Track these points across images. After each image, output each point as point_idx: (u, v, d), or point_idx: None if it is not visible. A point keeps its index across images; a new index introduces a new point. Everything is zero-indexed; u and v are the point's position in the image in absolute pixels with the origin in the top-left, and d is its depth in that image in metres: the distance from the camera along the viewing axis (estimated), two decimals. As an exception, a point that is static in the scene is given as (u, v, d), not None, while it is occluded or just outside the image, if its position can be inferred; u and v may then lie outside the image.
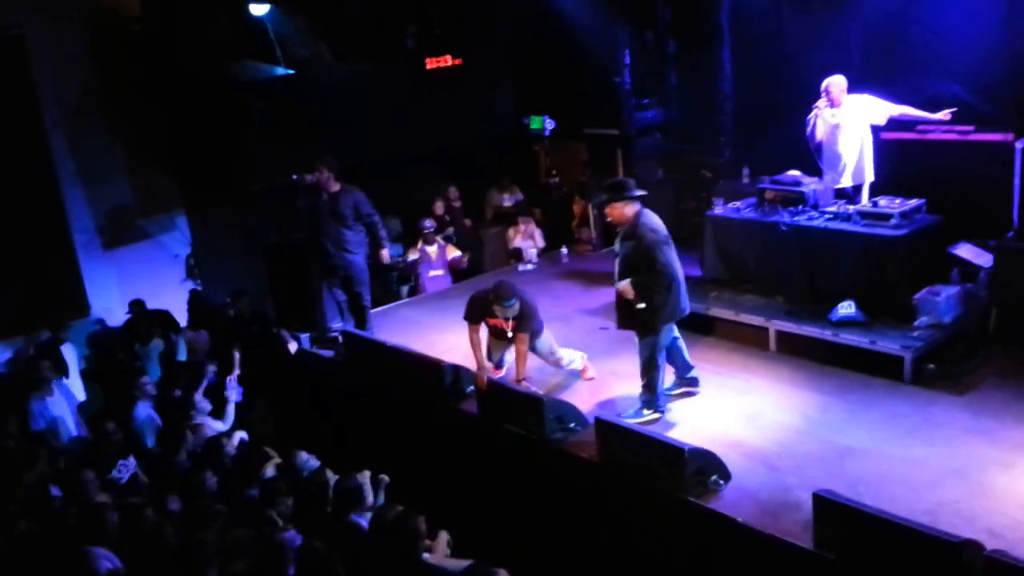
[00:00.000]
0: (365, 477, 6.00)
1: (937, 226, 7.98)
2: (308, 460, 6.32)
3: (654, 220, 6.75)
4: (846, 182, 8.54)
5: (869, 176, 8.51)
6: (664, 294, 6.68)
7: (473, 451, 7.36)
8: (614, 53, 11.27)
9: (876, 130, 8.55)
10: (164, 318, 9.84)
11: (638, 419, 6.90)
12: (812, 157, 8.76)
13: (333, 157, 8.70)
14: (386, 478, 6.19)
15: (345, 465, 6.33)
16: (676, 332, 7.14)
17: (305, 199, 8.69)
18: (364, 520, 5.62)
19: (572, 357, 7.82)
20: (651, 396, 6.96)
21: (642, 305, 6.74)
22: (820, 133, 8.54)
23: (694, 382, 7.35)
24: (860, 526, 4.96)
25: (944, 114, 8.30)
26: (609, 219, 6.92)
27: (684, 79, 11.66)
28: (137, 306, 9.78)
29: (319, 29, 11.10)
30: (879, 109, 8.35)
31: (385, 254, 9.04)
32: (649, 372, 6.93)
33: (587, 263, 11.38)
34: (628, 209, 6.73)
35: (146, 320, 9.48)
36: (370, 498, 5.92)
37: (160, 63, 10.29)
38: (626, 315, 6.97)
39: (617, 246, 6.97)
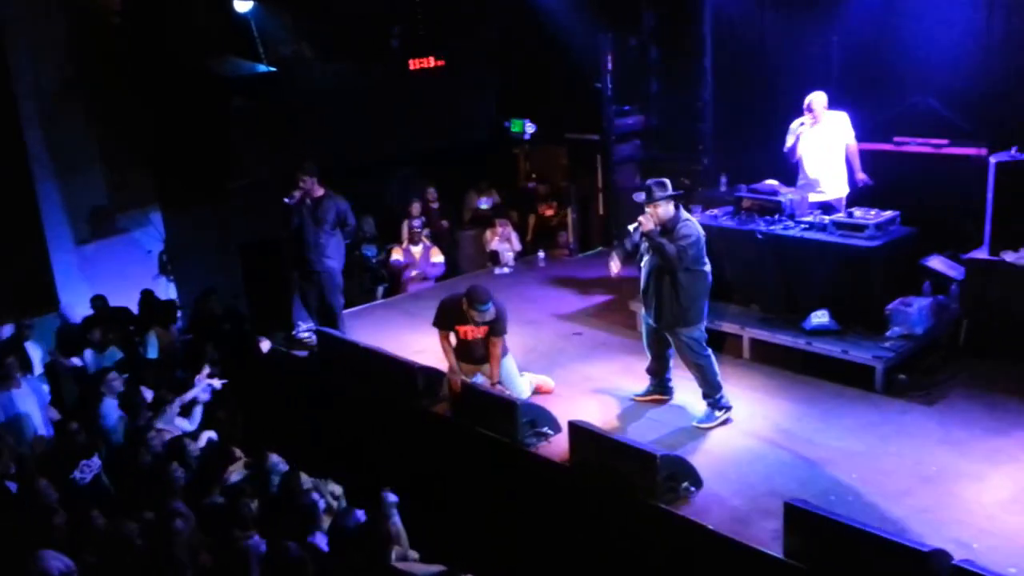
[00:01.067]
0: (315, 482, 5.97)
1: (911, 238, 8.04)
2: (278, 463, 6.26)
3: (693, 220, 6.87)
4: (826, 195, 8.59)
5: (845, 189, 8.60)
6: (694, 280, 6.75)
7: (446, 454, 7.34)
8: (596, 58, 11.31)
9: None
10: (124, 316, 9.69)
11: (711, 423, 6.90)
12: (789, 167, 8.83)
13: (313, 162, 8.66)
14: (338, 489, 6.16)
15: (318, 466, 6.32)
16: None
17: (295, 215, 8.63)
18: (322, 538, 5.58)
19: (524, 387, 7.63)
20: (715, 395, 6.93)
21: (632, 227, 6.85)
22: (802, 148, 8.62)
23: (669, 391, 7.36)
24: (830, 535, 4.99)
25: (865, 180, 8.57)
26: (653, 219, 6.76)
27: (665, 86, 11.72)
28: (99, 300, 9.64)
29: (303, 27, 11.07)
30: (850, 130, 8.52)
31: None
32: (702, 372, 6.92)
33: (564, 268, 11.40)
34: (670, 207, 6.76)
35: (106, 322, 9.25)
36: (323, 506, 5.86)
37: (141, 57, 10.21)
38: (664, 313, 6.91)
39: (643, 246, 6.95)
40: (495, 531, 6.69)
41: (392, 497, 5.80)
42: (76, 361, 8.70)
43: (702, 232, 6.82)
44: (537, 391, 7.67)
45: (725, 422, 6.92)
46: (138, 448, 6.63)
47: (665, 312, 6.85)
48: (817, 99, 8.46)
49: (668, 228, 6.73)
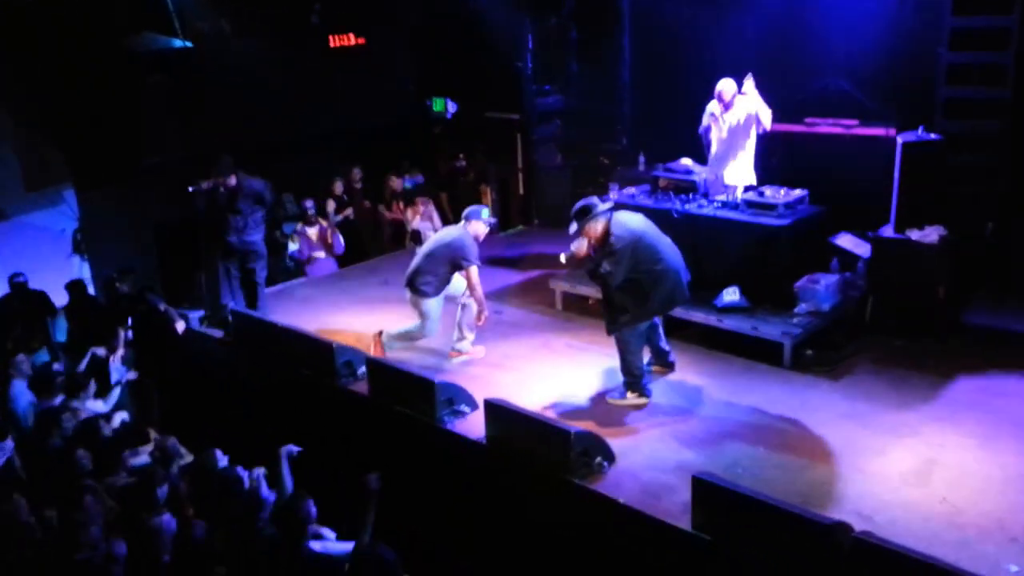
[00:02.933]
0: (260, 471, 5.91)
1: (819, 216, 8.20)
2: (181, 450, 6.16)
3: (621, 227, 6.70)
4: (733, 180, 8.72)
5: (747, 179, 8.72)
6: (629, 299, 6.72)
7: (364, 433, 7.33)
8: (517, 38, 11.33)
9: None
10: (40, 299, 9.45)
11: (621, 401, 6.96)
12: (704, 147, 8.96)
13: (228, 155, 8.53)
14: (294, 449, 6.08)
15: (233, 447, 6.26)
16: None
17: (202, 200, 8.51)
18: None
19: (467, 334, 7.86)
20: (632, 379, 6.97)
21: (564, 256, 7.00)
22: (714, 134, 8.77)
23: (669, 365, 7.43)
24: (735, 508, 5.09)
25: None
26: (593, 242, 6.75)
27: (585, 66, 11.79)
28: (17, 278, 9.36)
29: (222, 2, 10.86)
30: (764, 111, 8.57)
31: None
32: (624, 359, 6.95)
33: (484, 247, 11.32)
34: (597, 226, 6.70)
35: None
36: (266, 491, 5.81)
37: (55, 32, 9.91)
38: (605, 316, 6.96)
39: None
40: (413, 508, 6.71)
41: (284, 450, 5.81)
42: None
43: (637, 234, 6.68)
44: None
45: (638, 405, 6.99)
46: (50, 430, 6.51)
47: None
48: (726, 88, 8.55)
49: (602, 246, 6.70)
